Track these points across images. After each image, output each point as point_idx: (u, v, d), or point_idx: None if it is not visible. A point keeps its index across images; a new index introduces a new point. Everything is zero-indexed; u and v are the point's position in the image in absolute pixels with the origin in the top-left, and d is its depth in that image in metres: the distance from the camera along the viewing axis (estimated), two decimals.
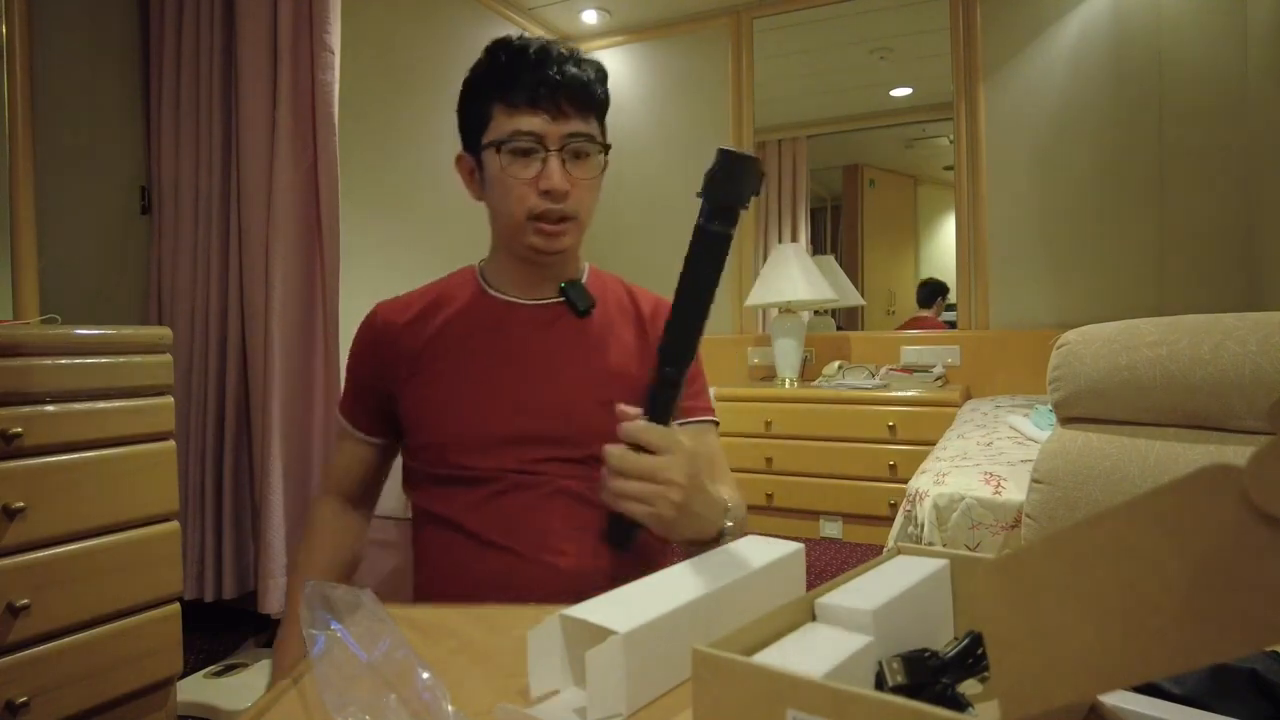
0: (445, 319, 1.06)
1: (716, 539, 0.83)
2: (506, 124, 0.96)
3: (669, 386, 0.73)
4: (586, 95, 0.97)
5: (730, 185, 0.65)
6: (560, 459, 0.97)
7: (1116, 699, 0.65)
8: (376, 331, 1.09)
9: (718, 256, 0.68)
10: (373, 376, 1.08)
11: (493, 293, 1.08)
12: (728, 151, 0.65)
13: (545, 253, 1.00)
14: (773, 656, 0.43)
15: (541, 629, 0.51)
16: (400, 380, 1.05)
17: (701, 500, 0.79)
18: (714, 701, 0.39)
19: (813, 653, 0.43)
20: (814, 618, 0.48)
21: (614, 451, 0.74)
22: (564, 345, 1.04)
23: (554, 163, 0.95)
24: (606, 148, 1.02)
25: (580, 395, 1.01)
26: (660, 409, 0.74)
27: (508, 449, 0.98)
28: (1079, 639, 0.31)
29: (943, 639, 0.50)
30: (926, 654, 0.45)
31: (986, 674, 0.45)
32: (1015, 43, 3.19)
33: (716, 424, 1.12)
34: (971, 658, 0.45)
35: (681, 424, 1.06)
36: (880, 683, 0.43)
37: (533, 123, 0.95)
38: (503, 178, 0.97)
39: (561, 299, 1.07)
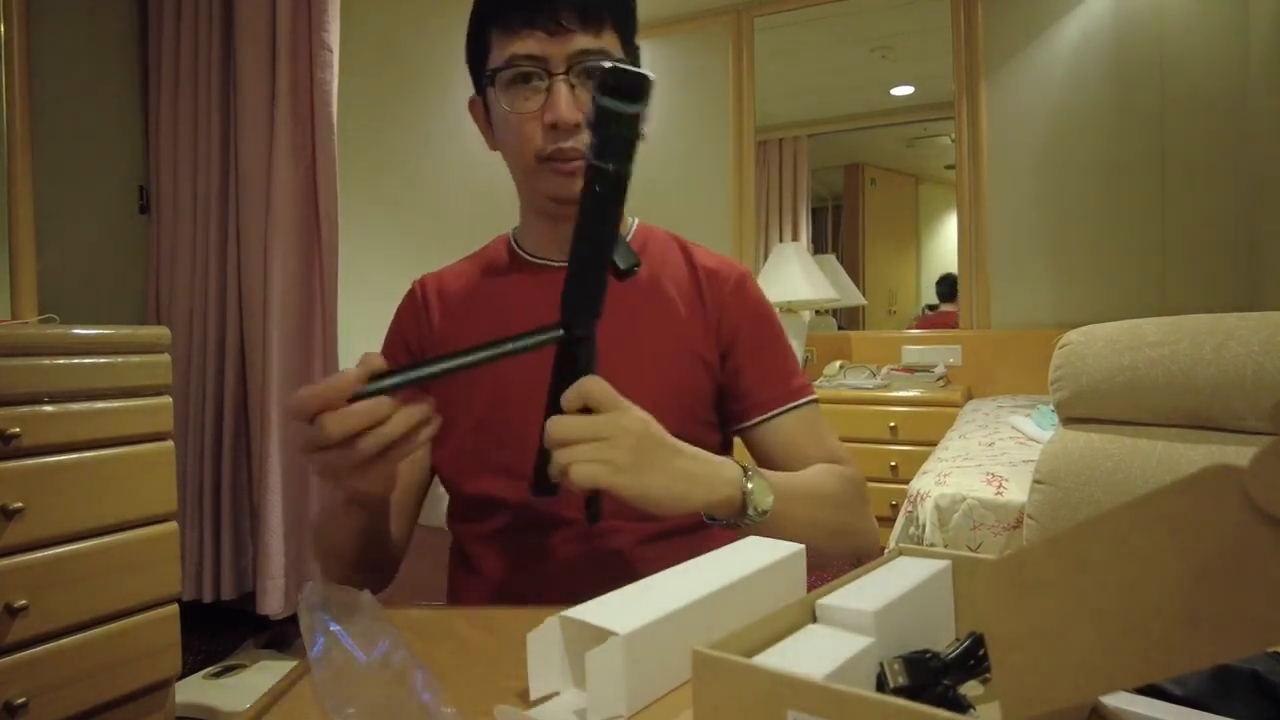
0: (483, 293, 0.94)
1: (742, 504, 0.71)
2: (502, 50, 0.82)
3: (586, 343, 0.66)
4: (592, 2, 0.82)
5: (615, 112, 0.57)
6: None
7: (1118, 700, 0.65)
8: (418, 306, 0.96)
9: (607, 196, 0.61)
10: (414, 338, 0.95)
11: (525, 256, 0.95)
12: (611, 68, 0.57)
13: (563, 200, 0.85)
14: (773, 658, 0.42)
15: (541, 630, 0.51)
16: (440, 349, 0.91)
17: (668, 451, 0.67)
18: (714, 703, 0.38)
19: (814, 654, 0.43)
20: (815, 619, 0.48)
21: (553, 420, 0.64)
22: (607, 317, 0.90)
23: (560, 89, 0.80)
24: (629, 62, 0.85)
25: (619, 382, 0.85)
26: (584, 370, 0.65)
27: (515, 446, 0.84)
28: (1081, 640, 0.31)
29: (944, 640, 0.49)
30: (928, 655, 0.44)
31: (988, 675, 0.45)
32: (1017, 41, 3.19)
33: (815, 402, 0.96)
34: (973, 659, 0.45)
35: (782, 411, 0.92)
36: (881, 684, 0.43)
37: (530, 44, 0.81)
38: (506, 114, 0.84)
39: None
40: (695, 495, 0.69)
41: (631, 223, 1.00)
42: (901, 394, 2.95)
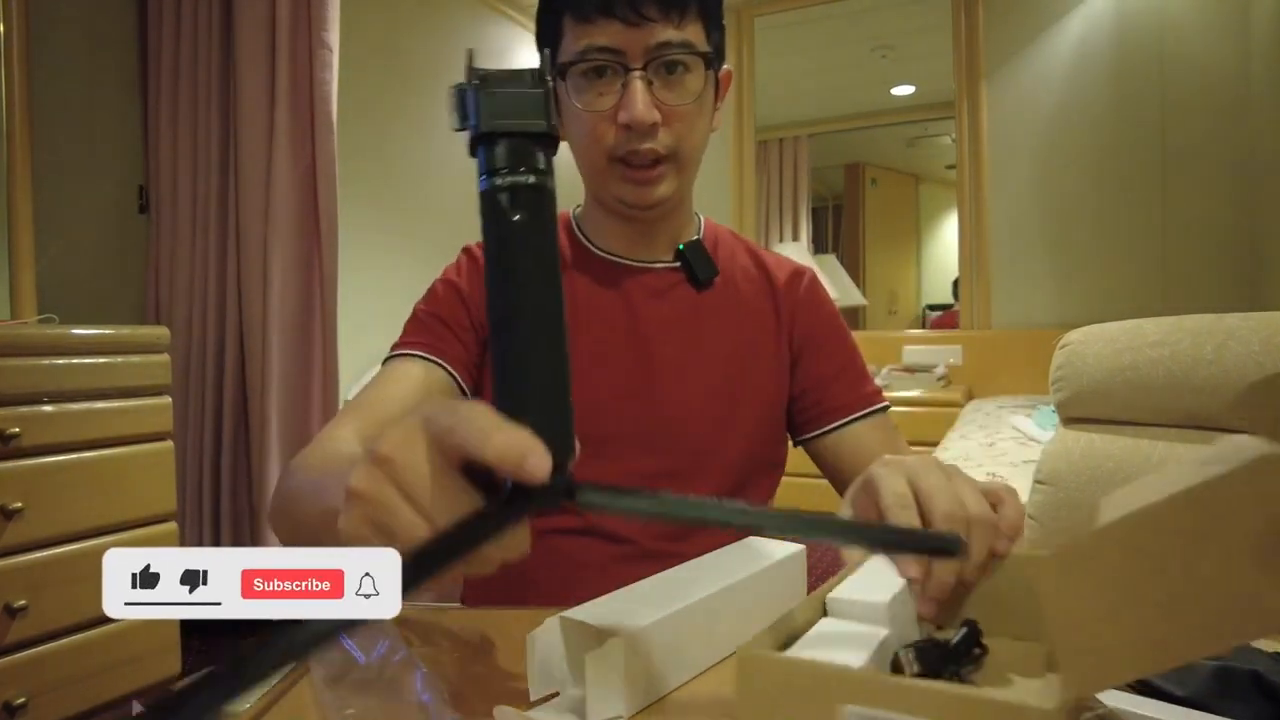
0: None
1: None
2: (577, 40, 0.75)
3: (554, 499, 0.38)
4: None
5: (499, 103, 0.40)
6: (651, 474, 0.78)
7: (1120, 702, 0.65)
8: (480, 265, 0.86)
9: (525, 239, 0.40)
10: (476, 301, 0.84)
11: (593, 249, 0.87)
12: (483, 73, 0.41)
13: (635, 206, 0.79)
14: (805, 654, 0.43)
15: (541, 631, 0.51)
16: None
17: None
18: (761, 701, 0.39)
19: (842, 648, 0.43)
20: (825, 614, 0.48)
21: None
22: (676, 327, 0.83)
23: (636, 86, 0.73)
24: (713, 58, 0.78)
25: (693, 398, 0.82)
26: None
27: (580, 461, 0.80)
28: (1145, 620, 0.33)
29: (931, 626, 0.51)
30: (933, 644, 0.46)
31: (982, 660, 0.48)
32: (1017, 41, 3.18)
33: (888, 408, 0.90)
34: (974, 645, 0.47)
35: (856, 418, 0.87)
36: (896, 672, 0.44)
37: (606, 34, 0.73)
38: (577, 110, 0.77)
39: (678, 264, 0.86)
40: None
41: (699, 220, 0.92)
42: (902, 394, 2.95)
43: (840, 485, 0.88)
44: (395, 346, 0.82)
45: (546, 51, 0.47)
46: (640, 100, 0.73)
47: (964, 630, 0.47)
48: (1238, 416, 0.37)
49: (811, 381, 0.89)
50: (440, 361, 0.80)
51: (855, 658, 0.41)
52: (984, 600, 0.51)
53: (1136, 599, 0.33)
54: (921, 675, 0.43)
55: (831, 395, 0.88)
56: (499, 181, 0.39)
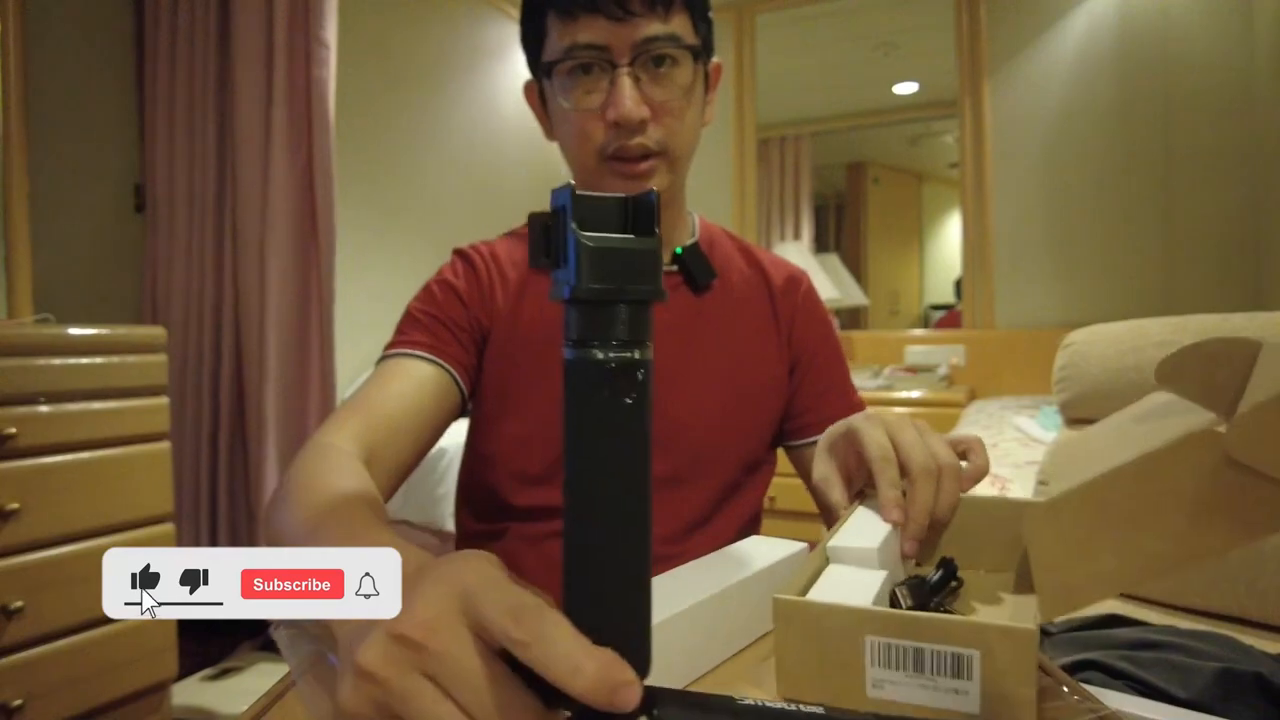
0: (541, 287, 0.84)
1: None
2: (560, 37, 0.74)
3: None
4: None
5: (602, 260, 0.32)
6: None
7: (1122, 703, 0.64)
8: (481, 274, 0.85)
9: (631, 424, 0.32)
10: (477, 304, 0.83)
11: None
12: (580, 196, 0.32)
13: None
14: (823, 598, 0.50)
15: None
16: (498, 338, 0.82)
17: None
18: (798, 640, 0.48)
19: (852, 589, 0.51)
20: (828, 560, 0.57)
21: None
22: (675, 331, 0.83)
23: (623, 83, 0.72)
24: (701, 51, 0.77)
25: (693, 402, 0.82)
26: None
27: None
28: (1102, 561, 0.44)
29: (911, 567, 0.61)
30: (920, 580, 0.56)
31: (959, 591, 0.58)
32: (1021, 39, 3.17)
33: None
34: (951, 579, 0.56)
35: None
36: (894, 606, 0.52)
37: (591, 31, 0.72)
38: (565, 109, 0.76)
39: (675, 268, 0.85)
40: None
41: (694, 219, 0.90)
42: (904, 395, 2.94)
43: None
44: (391, 345, 0.81)
45: (654, 198, 0.33)
46: (628, 97, 0.72)
47: (942, 569, 0.56)
48: (1162, 374, 0.45)
49: (806, 390, 0.90)
50: (439, 361, 0.78)
51: (864, 598, 0.50)
52: (960, 538, 0.62)
53: (1097, 543, 0.44)
54: (914, 608, 0.51)
55: (825, 405, 0.89)
56: (606, 357, 0.32)
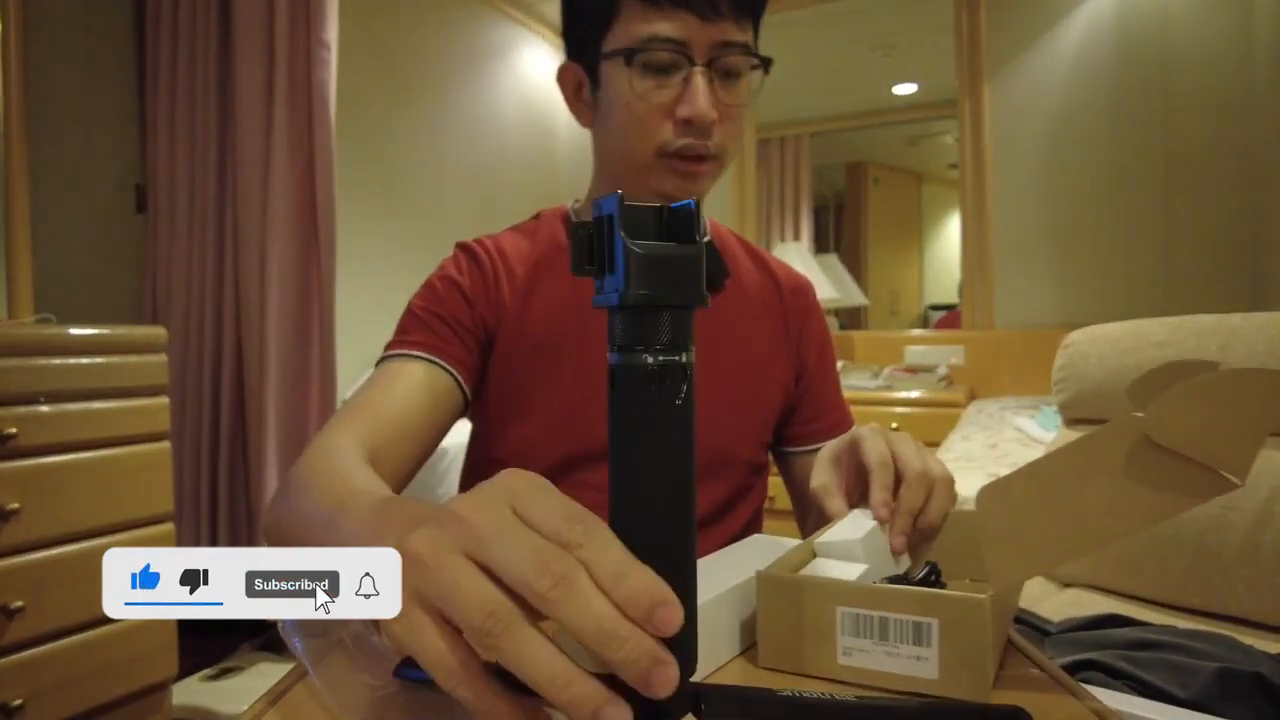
0: (552, 283, 0.82)
1: None
2: (641, 25, 0.71)
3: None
4: None
5: (653, 268, 0.33)
6: None
7: (1122, 703, 0.64)
8: (487, 269, 0.82)
9: (677, 425, 0.34)
10: (482, 302, 0.81)
11: None
12: (629, 207, 0.33)
13: (675, 199, 0.81)
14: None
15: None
16: (506, 336, 0.80)
17: None
18: (778, 609, 0.52)
19: (834, 574, 0.55)
20: (815, 556, 0.61)
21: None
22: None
23: (700, 82, 0.72)
24: (765, 63, 0.77)
25: (707, 402, 0.76)
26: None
27: (580, 473, 0.77)
28: (1043, 534, 0.49)
29: (903, 566, 0.64)
30: (903, 577, 0.59)
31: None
32: (1020, 40, 3.17)
33: None
34: (934, 580, 0.59)
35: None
36: None
37: (677, 25, 0.71)
38: (631, 100, 0.73)
39: None
40: None
41: (703, 219, 0.90)
42: (904, 395, 2.94)
43: (799, 498, 0.90)
44: (391, 345, 0.79)
45: (694, 206, 0.34)
46: (703, 98, 0.71)
47: (927, 567, 0.60)
48: (1132, 394, 0.52)
49: (810, 401, 0.91)
50: (442, 363, 0.76)
51: (847, 578, 0.54)
52: (947, 551, 0.65)
53: (1038, 518, 0.49)
54: None
55: (822, 416, 0.90)
56: (653, 360, 0.33)
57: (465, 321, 0.80)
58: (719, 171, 0.78)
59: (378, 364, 0.79)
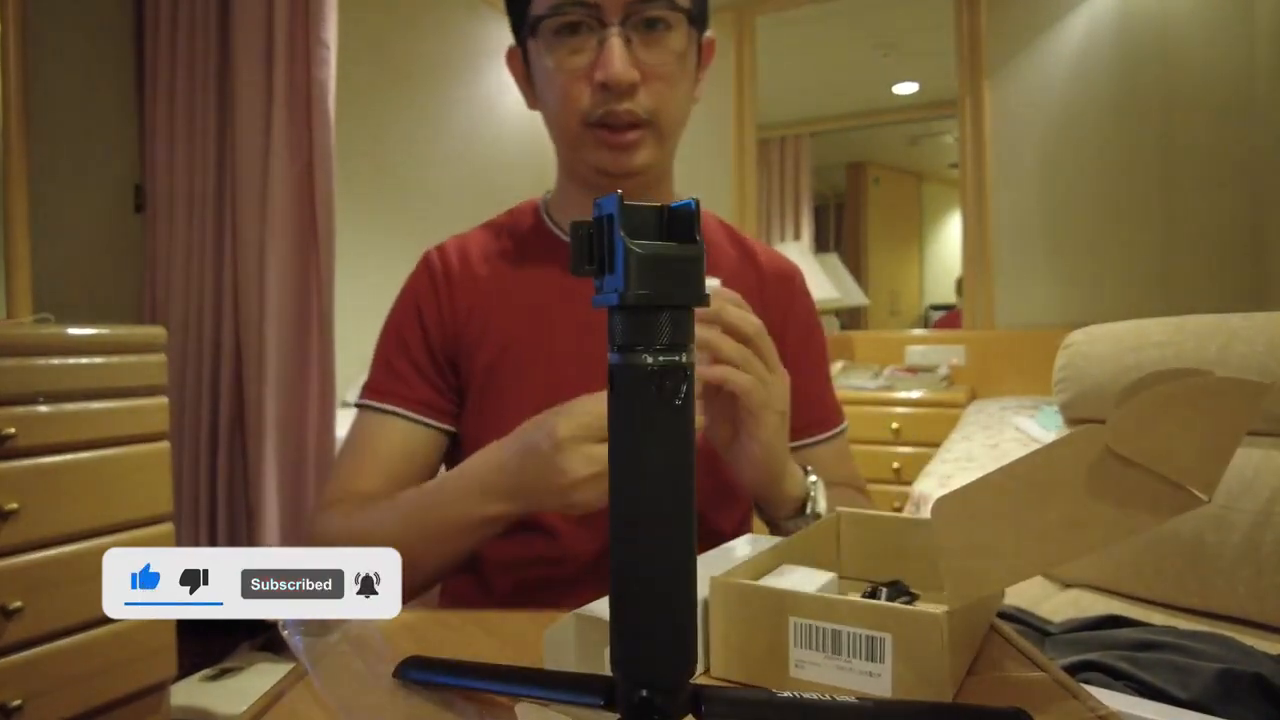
0: (511, 273, 0.81)
1: (803, 504, 0.69)
2: None
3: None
4: None
5: (650, 269, 0.32)
6: None
7: (1122, 704, 0.64)
8: (437, 280, 0.81)
9: (678, 426, 0.34)
10: (437, 327, 0.80)
11: (561, 235, 0.82)
12: (629, 207, 0.33)
13: (611, 174, 0.73)
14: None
15: (557, 627, 0.51)
16: (470, 344, 0.79)
17: (785, 430, 0.66)
18: (730, 618, 0.49)
19: (797, 583, 0.53)
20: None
21: (735, 345, 0.60)
22: None
23: (615, 43, 0.68)
24: (695, 15, 0.73)
25: None
26: None
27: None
28: (1006, 546, 0.45)
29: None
30: (871, 594, 0.56)
31: (913, 604, 0.57)
32: (1021, 39, 3.17)
33: (846, 429, 0.90)
34: (903, 595, 0.57)
35: (821, 440, 0.86)
36: None
37: None
38: (550, 70, 0.71)
39: None
40: (784, 477, 0.67)
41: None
42: (904, 395, 2.94)
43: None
44: (367, 391, 0.80)
45: (694, 206, 0.34)
46: (618, 58, 0.67)
47: (888, 586, 0.57)
48: (1120, 401, 0.45)
49: (791, 394, 0.87)
50: (416, 416, 0.78)
51: (808, 588, 0.51)
52: (917, 562, 0.61)
53: (997, 531, 0.45)
54: None
55: (807, 411, 0.83)
56: (653, 361, 0.33)
57: (423, 357, 0.80)
58: (661, 140, 0.74)
59: (358, 409, 0.81)
